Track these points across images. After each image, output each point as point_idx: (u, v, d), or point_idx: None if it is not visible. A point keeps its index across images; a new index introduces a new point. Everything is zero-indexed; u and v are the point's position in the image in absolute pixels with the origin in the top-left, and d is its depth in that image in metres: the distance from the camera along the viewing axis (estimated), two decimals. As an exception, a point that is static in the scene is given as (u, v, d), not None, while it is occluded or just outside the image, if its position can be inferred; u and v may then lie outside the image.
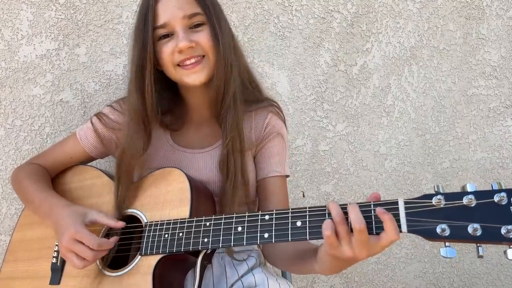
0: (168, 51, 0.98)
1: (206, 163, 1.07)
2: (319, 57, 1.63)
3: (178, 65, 1.00)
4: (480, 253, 0.68)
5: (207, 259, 0.92)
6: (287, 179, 1.14)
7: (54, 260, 1.03)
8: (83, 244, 0.90)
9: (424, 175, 1.82)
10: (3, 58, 1.33)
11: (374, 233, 0.72)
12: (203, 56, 0.99)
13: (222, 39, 0.99)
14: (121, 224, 0.96)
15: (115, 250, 0.99)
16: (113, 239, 0.94)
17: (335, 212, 0.73)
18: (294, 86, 1.62)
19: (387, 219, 0.70)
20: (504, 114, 1.88)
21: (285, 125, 1.16)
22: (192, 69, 0.98)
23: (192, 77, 0.99)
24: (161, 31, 0.98)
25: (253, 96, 1.12)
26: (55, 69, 1.37)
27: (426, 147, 1.80)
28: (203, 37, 0.98)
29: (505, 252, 0.66)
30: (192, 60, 0.98)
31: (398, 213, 0.71)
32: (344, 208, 0.74)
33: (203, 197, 0.97)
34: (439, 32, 1.76)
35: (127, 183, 1.02)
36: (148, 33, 0.97)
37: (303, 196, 1.68)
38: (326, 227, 0.72)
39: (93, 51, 1.40)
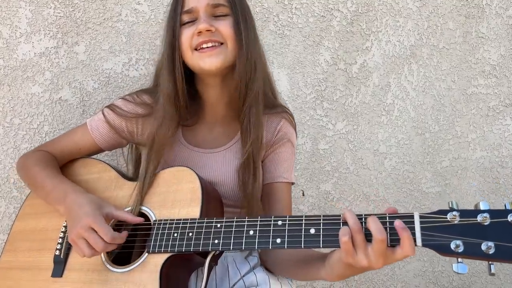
0: (188, 35, 1.00)
1: (217, 164, 1.07)
2: (319, 55, 1.63)
3: (196, 49, 1.00)
4: (492, 271, 0.69)
5: (215, 260, 0.91)
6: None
7: (57, 253, 1.01)
8: (97, 233, 0.90)
9: (423, 174, 1.82)
10: (1, 56, 1.32)
11: (389, 245, 0.73)
12: (222, 43, 1.00)
13: (245, 32, 1.00)
14: (139, 219, 0.95)
15: (121, 246, 0.98)
16: (124, 233, 0.93)
17: (352, 220, 0.73)
18: (294, 85, 1.62)
19: (405, 237, 0.70)
20: (503, 113, 1.89)
21: (296, 133, 1.17)
22: (208, 52, 0.98)
23: (207, 61, 0.99)
24: (186, 17, 1.01)
25: (268, 101, 1.12)
26: (54, 67, 1.36)
27: (425, 146, 1.80)
28: (224, 25, 1.00)
29: None
30: (209, 44, 0.99)
31: (414, 227, 0.72)
32: (360, 219, 0.75)
33: (212, 198, 0.97)
34: (439, 31, 1.76)
35: (155, 170, 1.02)
36: (177, 19, 1.02)
37: (303, 195, 1.67)
38: (344, 234, 0.73)
39: (92, 49, 1.39)
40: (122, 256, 0.97)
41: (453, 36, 1.78)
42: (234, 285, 0.99)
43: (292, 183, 1.13)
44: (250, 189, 1.01)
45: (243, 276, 1.00)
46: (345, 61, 1.66)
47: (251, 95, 1.02)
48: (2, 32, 1.31)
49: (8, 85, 1.33)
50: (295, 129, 1.16)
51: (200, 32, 0.98)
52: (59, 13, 1.35)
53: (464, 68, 1.81)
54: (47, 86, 1.36)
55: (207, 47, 0.98)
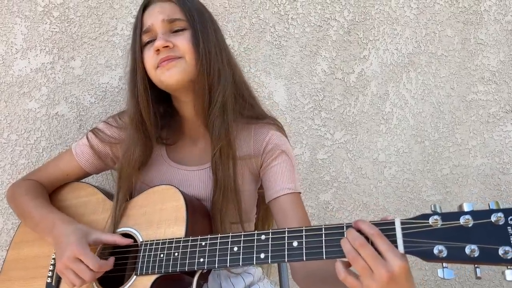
0: (149, 54, 1.00)
1: (201, 181, 1.06)
2: (316, 65, 1.62)
3: (158, 67, 0.99)
4: (478, 275, 0.67)
5: (203, 278, 0.91)
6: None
7: (49, 280, 1.02)
8: (83, 263, 0.90)
9: (424, 182, 1.80)
10: (-2, 73, 1.32)
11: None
12: (180, 57, 0.98)
13: (205, 44, 0.98)
14: (128, 241, 0.95)
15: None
16: (111, 260, 0.93)
17: (354, 238, 0.70)
18: (292, 95, 1.61)
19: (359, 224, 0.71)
20: (504, 119, 1.87)
21: (289, 142, 1.12)
22: (166, 65, 0.97)
23: (166, 74, 0.98)
24: (146, 37, 1.01)
25: (252, 111, 1.10)
26: (50, 82, 1.37)
27: (425, 154, 1.79)
28: (181, 39, 0.98)
29: (503, 273, 0.66)
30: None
31: (395, 234, 0.71)
32: (341, 229, 0.74)
33: (199, 215, 0.96)
34: (437, 38, 1.75)
35: (126, 196, 1.02)
36: (136, 40, 1.02)
37: (302, 206, 1.67)
38: (344, 273, 0.70)
39: (88, 64, 1.39)
40: (114, 279, 0.97)
41: (451, 43, 1.77)
42: (228, 302, 0.99)
43: (299, 193, 1.06)
44: (214, 198, 1.00)
45: (238, 294, 0.99)
46: (343, 70, 1.65)
47: (215, 106, 0.99)
48: (-2, 48, 1.32)
49: (4, 101, 1.34)
50: (286, 137, 1.11)
51: (158, 50, 0.97)
52: (54, 28, 1.35)
53: (463, 74, 1.80)
54: (44, 102, 1.37)
55: (165, 61, 0.98)
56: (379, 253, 0.68)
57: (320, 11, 1.60)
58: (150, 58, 0.99)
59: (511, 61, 1.85)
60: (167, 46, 0.97)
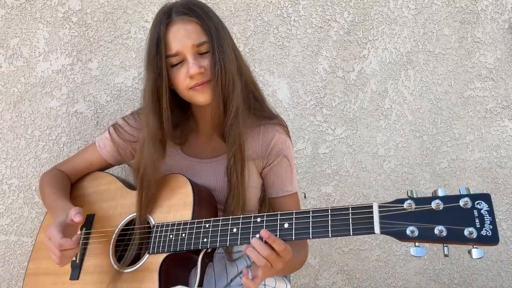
0: (182, 77, 1.05)
1: (212, 172, 1.16)
2: (317, 64, 1.71)
3: (190, 88, 1.07)
4: (445, 252, 0.76)
5: (208, 257, 1.02)
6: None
7: (73, 258, 1.13)
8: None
9: (422, 175, 1.88)
10: (23, 74, 1.44)
11: (351, 234, 0.82)
12: (209, 81, 1.06)
13: (222, 63, 1.04)
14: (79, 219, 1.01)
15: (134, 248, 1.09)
16: (75, 237, 1.00)
17: (255, 258, 0.89)
18: (294, 93, 1.70)
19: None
20: (501, 115, 1.93)
21: (291, 142, 1.22)
22: (200, 90, 1.06)
23: (201, 97, 1.07)
24: (174, 60, 1.05)
25: (261, 110, 1.19)
26: (70, 82, 1.48)
27: (423, 148, 1.87)
28: (208, 63, 1.05)
29: (469, 251, 0.74)
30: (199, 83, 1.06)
31: (372, 216, 0.80)
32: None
33: (205, 201, 1.07)
34: (434, 37, 1.82)
35: (148, 194, 1.10)
36: (162, 62, 1.04)
37: (305, 197, 1.76)
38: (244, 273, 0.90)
39: (104, 65, 1.50)
40: (135, 258, 1.09)
41: (448, 41, 1.84)
42: (231, 280, 1.09)
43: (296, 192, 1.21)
44: (228, 196, 1.10)
45: (241, 272, 1.09)
46: (343, 69, 1.74)
47: (230, 115, 1.07)
48: (23, 52, 1.44)
49: (29, 100, 1.46)
50: (290, 139, 1.21)
51: (191, 76, 1.03)
52: (73, 33, 1.47)
53: (461, 72, 1.87)
54: (64, 100, 1.48)
55: (198, 85, 1.05)
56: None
57: (321, 13, 1.69)
58: (182, 80, 1.05)
59: (508, 59, 1.91)
60: (201, 73, 1.04)
